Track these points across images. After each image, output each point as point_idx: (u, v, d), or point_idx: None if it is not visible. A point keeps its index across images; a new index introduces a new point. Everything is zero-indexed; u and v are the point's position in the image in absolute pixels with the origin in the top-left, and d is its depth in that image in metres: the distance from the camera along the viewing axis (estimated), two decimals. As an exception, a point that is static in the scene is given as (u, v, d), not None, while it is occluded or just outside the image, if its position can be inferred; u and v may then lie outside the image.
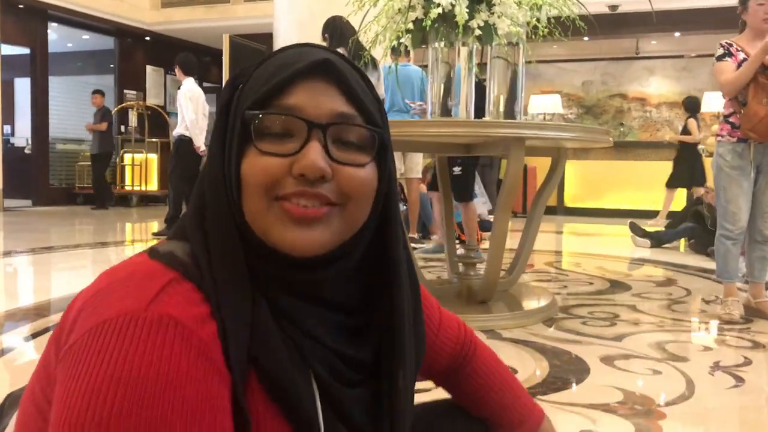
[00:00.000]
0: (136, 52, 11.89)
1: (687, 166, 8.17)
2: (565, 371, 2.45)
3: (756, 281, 3.44)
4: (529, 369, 2.46)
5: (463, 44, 3.00)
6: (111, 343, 0.57)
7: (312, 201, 0.65)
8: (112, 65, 11.88)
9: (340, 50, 4.54)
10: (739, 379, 2.40)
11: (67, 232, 7.47)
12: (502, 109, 3.32)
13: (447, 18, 2.79)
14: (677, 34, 10.45)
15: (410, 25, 2.83)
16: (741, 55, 3.24)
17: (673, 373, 2.44)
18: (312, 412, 0.65)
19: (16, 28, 9.84)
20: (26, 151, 10.83)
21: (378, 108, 0.71)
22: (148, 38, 11.77)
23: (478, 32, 2.80)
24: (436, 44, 3.01)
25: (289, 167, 0.64)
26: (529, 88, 8.15)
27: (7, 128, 11.38)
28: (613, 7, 9.01)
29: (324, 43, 4.70)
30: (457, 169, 4.60)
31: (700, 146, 9.23)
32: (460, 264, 3.62)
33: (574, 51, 10.84)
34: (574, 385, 2.31)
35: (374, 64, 4.69)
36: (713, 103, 8.77)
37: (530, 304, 3.48)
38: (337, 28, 4.71)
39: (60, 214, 9.42)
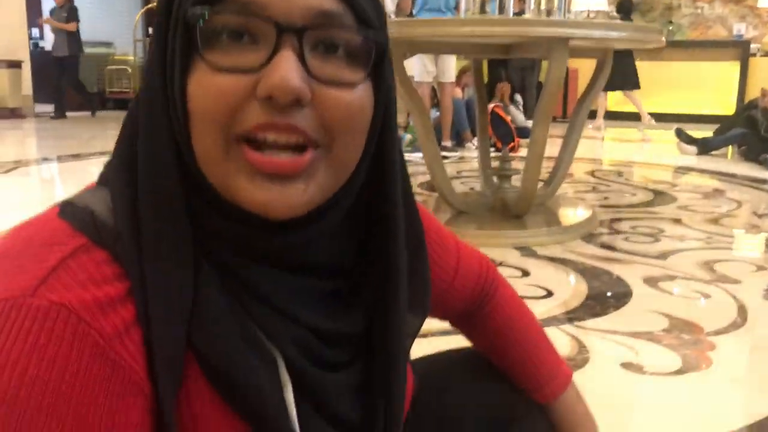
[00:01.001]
0: None
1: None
2: (605, 294, 2.28)
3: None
4: (566, 291, 2.30)
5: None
6: None
7: (284, 136, 0.46)
8: (136, -37, 11.48)
9: None
10: (798, 305, 2.21)
11: (101, 138, 7.40)
12: (543, 6, 3.04)
13: None
14: None
15: None
16: None
17: (724, 297, 2.26)
18: (280, 412, 0.49)
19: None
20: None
21: (376, 4, 0.51)
22: None
23: None
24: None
25: (252, 88, 0.45)
26: (573, -17, 7.65)
27: (35, 31, 11.16)
28: None
29: None
30: None
31: (754, 45, 8.69)
32: (494, 176, 3.42)
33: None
34: (614, 310, 2.14)
35: None
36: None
37: (569, 218, 3.30)
38: None
39: (89, 120, 9.34)
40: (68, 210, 0.48)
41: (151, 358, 0.45)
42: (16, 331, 0.41)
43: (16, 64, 9.03)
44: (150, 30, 11.00)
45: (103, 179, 0.52)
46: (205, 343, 0.47)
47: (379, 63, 0.50)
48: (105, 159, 0.52)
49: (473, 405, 0.84)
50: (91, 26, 11.21)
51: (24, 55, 9.34)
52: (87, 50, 10.97)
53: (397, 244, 0.56)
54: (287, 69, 0.44)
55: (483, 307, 0.82)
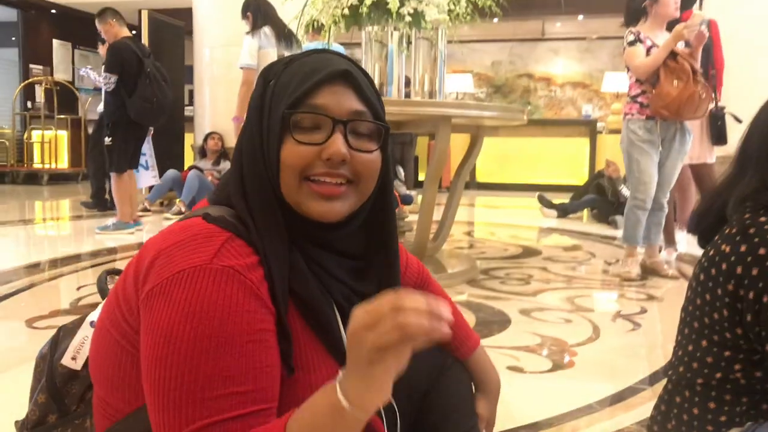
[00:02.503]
0: (41, 25, 11.47)
1: None
2: (490, 322, 2.78)
3: (652, 244, 3.88)
4: (458, 321, 2.76)
5: (395, 28, 3.25)
6: (187, 287, 0.78)
7: (335, 179, 0.87)
8: (14, 38, 11.41)
9: (267, 29, 4.68)
10: (637, 324, 2.80)
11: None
12: (427, 88, 3.60)
13: (380, 5, 3.03)
14: (580, 17, 11.05)
15: (346, 11, 3.05)
16: (648, 42, 3.60)
17: (582, 321, 2.82)
18: (336, 330, 0.90)
19: None
20: None
21: (381, 106, 0.92)
22: (54, 11, 11.37)
23: (408, 18, 3.05)
24: (370, 28, 3.25)
25: (319, 153, 0.85)
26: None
27: None
28: (521, -9, 9.45)
29: (246, 22, 4.80)
30: (107, 140, 4.92)
31: (600, 123, 9.87)
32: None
33: (484, 32, 11.25)
34: (498, 332, 2.64)
35: (297, 41, 4.82)
36: (613, 83, 9.40)
37: (454, 267, 3.79)
38: (259, 7, 4.78)
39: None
40: (210, 218, 0.86)
41: (274, 296, 0.83)
42: (206, 284, 0.77)
43: None
44: (29, 104, 10.91)
45: (222, 201, 0.90)
46: (299, 287, 0.86)
47: (385, 139, 0.93)
48: None
49: (419, 358, 1.25)
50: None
51: None
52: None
53: (393, 239, 0.99)
54: (339, 144, 0.85)
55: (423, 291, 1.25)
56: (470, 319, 2.80)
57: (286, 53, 4.41)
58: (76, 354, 1.07)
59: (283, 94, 0.87)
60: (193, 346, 0.75)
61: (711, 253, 1.21)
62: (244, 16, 4.84)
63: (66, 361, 1.07)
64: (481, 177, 10.46)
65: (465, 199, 8.25)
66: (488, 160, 10.40)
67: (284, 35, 4.72)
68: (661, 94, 3.48)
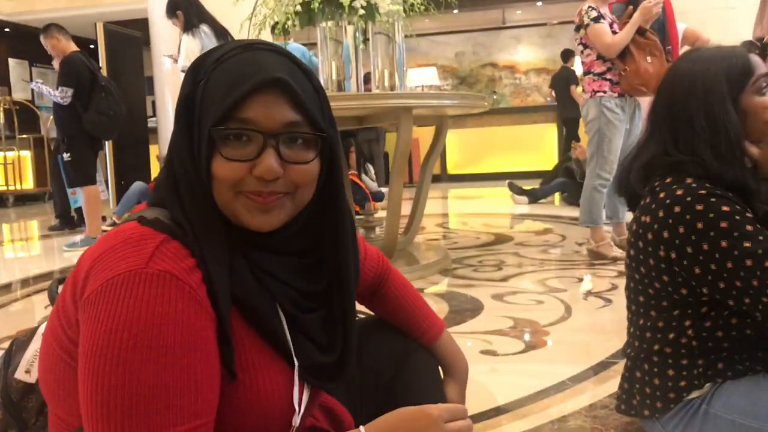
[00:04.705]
0: (-5, 44, 11.28)
1: None
2: (463, 309, 2.78)
3: (620, 221, 3.91)
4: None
5: (349, 23, 3.24)
6: (121, 294, 0.75)
7: (269, 195, 0.84)
8: (-32, 59, 11.22)
9: (205, 28, 4.52)
10: (607, 300, 2.82)
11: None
12: (387, 82, 3.59)
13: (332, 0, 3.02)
14: (539, 3, 11.12)
15: (298, 8, 3.03)
16: (608, 18, 3.61)
17: (554, 302, 2.84)
18: (281, 333, 0.88)
19: None
20: None
21: (322, 108, 0.87)
22: (8, 29, 11.18)
23: (361, 12, 3.04)
24: (324, 24, 3.23)
25: (250, 169, 0.81)
26: (406, 62, 8.48)
27: None
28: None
29: (175, 22, 4.64)
30: (66, 156, 4.92)
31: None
32: (361, 228, 3.89)
33: (445, 24, 11.29)
34: (471, 318, 2.64)
35: (232, 38, 4.68)
36: (576, 66, 9.47)
37: (426, 258, 3.79)
38: (190, 4, 4.61)
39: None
40: (144, 221, 0.83)
41: (214, 299, 0.80)
42: (142, 289, 0.74)
43: None
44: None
45: (156, 203, 0.88)
46: (238, 290, 0.84)
47: (323, 146, 0.89)
48: None
49: (383, 346, 1.25)
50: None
51: None
52: None
53: (347, 236, 0.97)
54: (270, 160, 0.80)
55: (382, 286, 1.24)
56: (443, 307, 2.81)
57: None
58: (30, 367, 1.04)
59: (210, 105, 0.82)
60: (131, 356, 0.73)
61: (634, 227, 1.24)
62: (172, 14, 4.64)
63: (20, 374, 1.04)
64: (452, 169, 10.51)
65: (437, 192, 8.29)
66: (459, 151, 10.47)
67: (220, 33, 4.59)
68: (638, 71, 3.47)
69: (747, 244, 1.07)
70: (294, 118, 0.82)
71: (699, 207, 1.11)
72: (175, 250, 0.80)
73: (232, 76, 0.81)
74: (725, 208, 1.10)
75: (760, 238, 1.08)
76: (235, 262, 0.84)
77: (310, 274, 0.94)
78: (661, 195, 1.16)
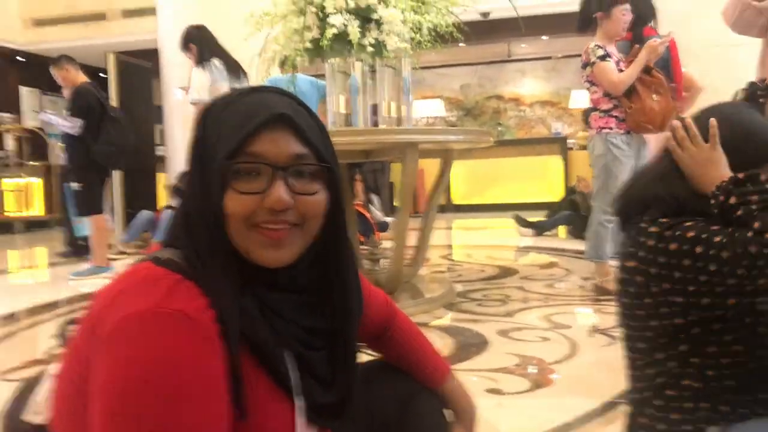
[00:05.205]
0: (8, 73, 11.42)
1: None
2: (468, 345, 2.78)
3: (624, 256, 3.90)
4: (436, 346, 2.76)
5: (357, 59, 3.28)
6: (136, 332, 0.77)
7: (279, 225, 0.87)
8: (-20, 87, 11.34)
9: (217, 62, 4.62)
10: (613, 338, 2.81)
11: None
12: (394, 115, 3.62)
13: (341, 37, 3.06)
14: (545, 37, 11.22)
15: (308, 44, 3.08)
16: (615, 56, 3.65)
17: (559, 338, 2.83)
18: (286, 371, 0.89)
19: None
20: None
21: (325, 143, 0.91)
22: (21, 58, 11.34)
23: (370, 49, 3.09)
24: (332, 60, 3.28)
25: (261, 201, 0.85)
26: (412, 94, 8.54)
27: None
28: (485, 14, 9.60)
29: (189, 55, 4.73)
30: (76, 185, 4.93)
31: (570, 140, 9.99)
32: (365, 260, 3.90)
33: (451, 57, 11.40)
34: (476, 355, 2.64)
35: (244, 72, 4.77)
36: (580, 100, 9.54)
37: (431, 291, 3.79)
38: (203, 38, 4.70)
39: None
40: (159, 261, 0.86)
41: (226, 338, 0.82)
42: (156, 329, 0.76)
43: None
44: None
45: (170, 244, 0.90)
46: (250, 330, 0.85)
47: (330, 178, 0.92)
48: None
49: (388, 389, 1.26)
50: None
51: None
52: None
53: (349, 273, 0.99)
54: (280, 193, 0.84)
55: (388, 329, 1.25)
56: (449, 342, 2.81)
57: (237, 86, 4.39)
58: (40, 408, 1.05)
59: (221, 142, 0.86)
60: (144, 395, 0.74)
61: (621, 275, 1.28)
62: (186, 48, 4.72)
63: (29, 416, 1.05)
64: (457, 200, 10.52)
65: (442, 223, 8.29)
66: (464, 182, 10.49)
67: (233, 67, 4.68)
68: (644, 109, 3.50)
69: (717, 240, 1.10)
70: (300, 151, 0.87)
71: (668, 233, 1.16)
72: (188, 290, 0.81)
73: (241, 116, 0.86)
74: (688, 224, 1.15)
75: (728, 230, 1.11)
76: (245, 301, 0.86)
77: (314, 311, 0.95)
78: (650, 243, 1.20)
